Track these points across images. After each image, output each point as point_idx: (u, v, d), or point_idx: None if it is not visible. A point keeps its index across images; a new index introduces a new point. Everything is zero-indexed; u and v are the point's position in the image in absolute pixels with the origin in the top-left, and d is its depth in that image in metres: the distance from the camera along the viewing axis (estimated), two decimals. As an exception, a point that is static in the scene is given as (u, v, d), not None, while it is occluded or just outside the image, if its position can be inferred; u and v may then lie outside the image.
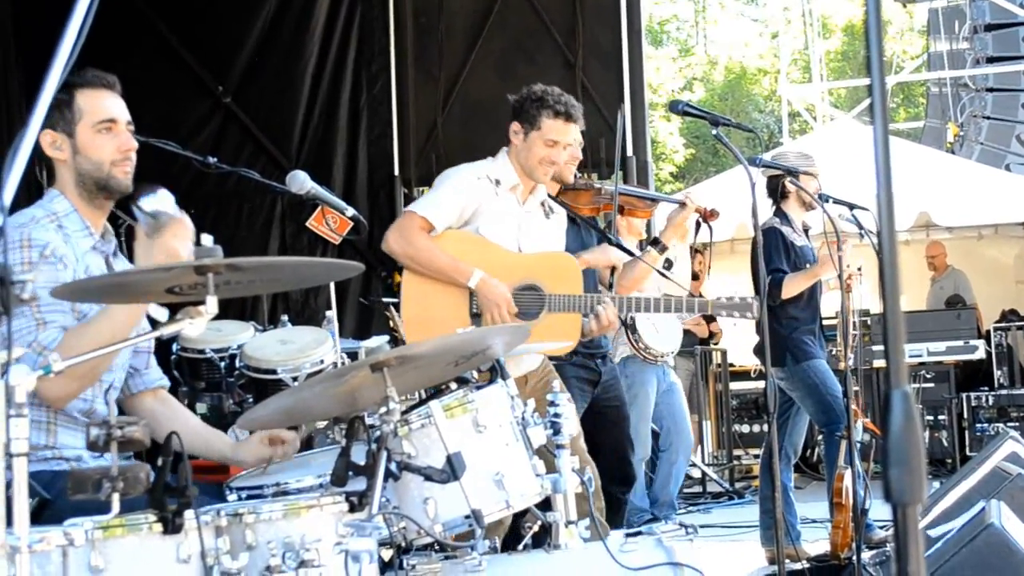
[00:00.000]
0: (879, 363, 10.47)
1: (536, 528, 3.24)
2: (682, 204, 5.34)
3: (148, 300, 2.77)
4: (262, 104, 10.02)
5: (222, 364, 5.38)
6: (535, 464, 3.12)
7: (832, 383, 6.41)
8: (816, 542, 6.77)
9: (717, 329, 11.39)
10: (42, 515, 2.78)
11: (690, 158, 32.33)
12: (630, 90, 9.98)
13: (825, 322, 6.81)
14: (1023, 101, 20.28)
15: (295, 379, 4.98)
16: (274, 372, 5.11)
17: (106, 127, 3.26)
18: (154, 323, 2.69)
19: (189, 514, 2.45)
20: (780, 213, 6.60)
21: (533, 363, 4.60)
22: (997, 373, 11.10)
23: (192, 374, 5.40)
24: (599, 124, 9.59)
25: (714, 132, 4.70)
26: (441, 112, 10.15)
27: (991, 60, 20.57)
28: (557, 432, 3.18)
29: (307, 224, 9.01)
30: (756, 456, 11.18)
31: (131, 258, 3.18)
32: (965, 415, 10.82)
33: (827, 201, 5.90)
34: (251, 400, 5.23)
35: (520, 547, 3.33)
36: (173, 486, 2.43)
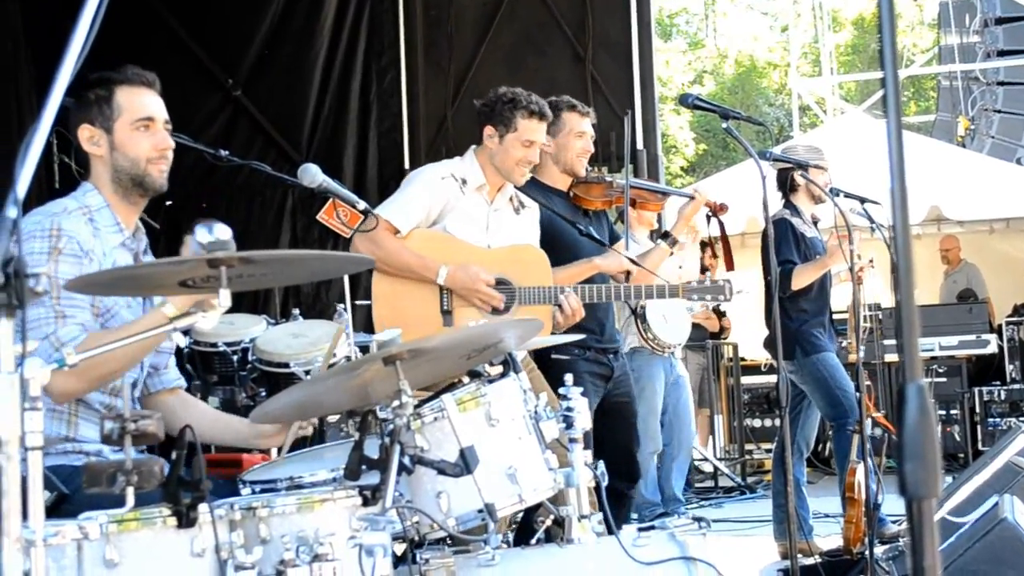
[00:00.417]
0: (891, 357, 10.45)
1: (549, 522, 3.23)
2: (691, 198, 5.34)
3: (162, 293, 2.77)
4: (272, 97, 10.02)
5: (234, 357, 5.38)
6: (548, 458, 3.12)
7: (842, 377, 6.40)
8: (829, 537, 6.76)
9: (728, 323, 11.38)
10: (59, 509, 2.79)
11: (701, 152, 32.29)
12: (640, 83, 9.97)
13: (836, 315, 6.80)
14: (1034, 94, 20.25)
15: (307, 372, 4.98)
16: (286, 365, 5.11)
17: (144, 125, 3.28)
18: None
19: (203, 508, 2.46)
20: (790, 205, 6.59)
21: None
22: (1009, 367, 11.08)
23: (204, 367, 5.40)
24: (609, 117, 9.57)
25: (724, 126, 4.70)
26: (451, 105, 10.14)
27: (1002, 53, 20.51)
28: (570, 426, 3.18)
29: (318, 217, 9.00)
30: (768, 451, 11.17)
31: (167, 242, 3.19)
32: (977, 409, 10.81)
33: (838, 195, 5.89)
34: (263, 393, 5.24)
35: (533, 541, 3.33)
36: (187, 480, 2.43)
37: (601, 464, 3.23)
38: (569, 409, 3.20)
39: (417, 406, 2.96)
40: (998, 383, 10.92)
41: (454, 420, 2.98)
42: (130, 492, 2.33)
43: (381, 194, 9.95)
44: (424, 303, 4.54)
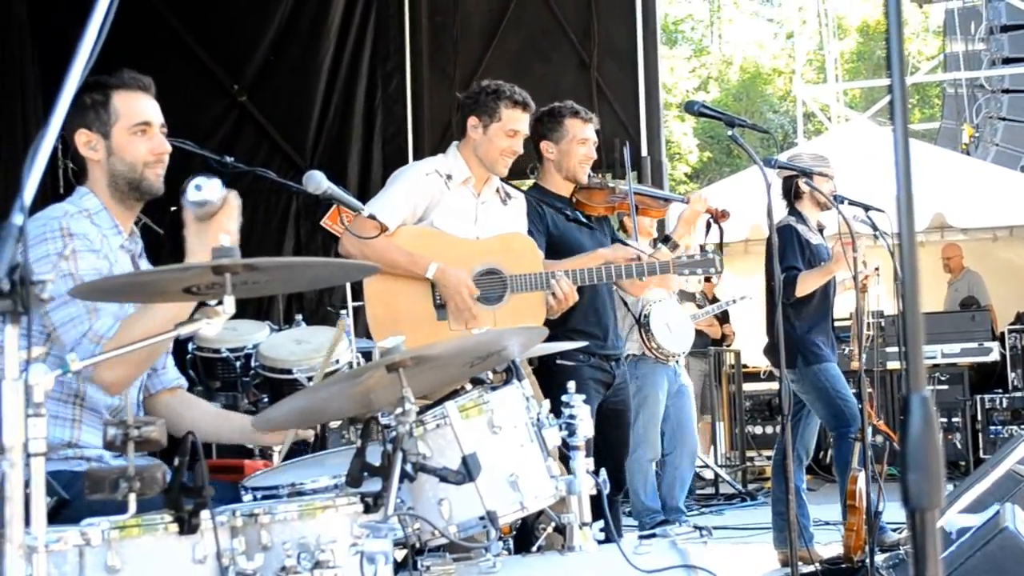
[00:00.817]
0: (893, 365, 10.44)
1: (550, 529, 3.24)
2: (687, 200, 5.36)
3: (167, 299, 2.78)
4: (277, 103, 10.04)
5: (237, 364, 5.39)
6: (550, 466, 3.12)
7: (843, 386, 6.40)
8: (829, 544, 6.76)
9: (730, 331, 11.38)
10: (60, 515, 2.80)
11: (705, 159, 32.29)
12: (645, 90, 9.99)
13: (839, 323, 6.80)
14: (1039, 102, 20.23)
15: (310, 379, 4.98)
16: (289, 372, 5.12)
17: (141, 129, 3.29)
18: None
19: (205, 514, 2.46)
20: (795, 213, 6.59)
21: None
22: (1011, 375, 11.07)
23: (207, 373, 5.41)
24: (614, 124, 9.61)
25: (729, 133, 4.70)
26: (456, 111, 10.11)
27: (1007, 61, 20.50)
28: (572, 434, 3.18)
29: (322, 223, 9.00)
30: (769, 458, 11.15)
31: (179, 246, 3.21)
32: (979, 417, 10.79)
33: (842, 202, 5.89)
34: (266, 400, 5.25)
35: (534, 549, 3.33)
36: (189, 486, 2.43)
37: (603, 472, 3.23)
38: (572, 417, 3.21)
39: (419, 413, 2.97)
40: (1000, 391, 10.91)
41: (456, 427, 2.98)
42: (132, 498, 2.33)
43: (385, 200, 9.98)
44: (417, 299, 4.55)
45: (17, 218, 1.99)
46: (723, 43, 37.12)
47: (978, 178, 12.94)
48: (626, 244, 5.15)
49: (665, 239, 5.36)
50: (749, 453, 11.50)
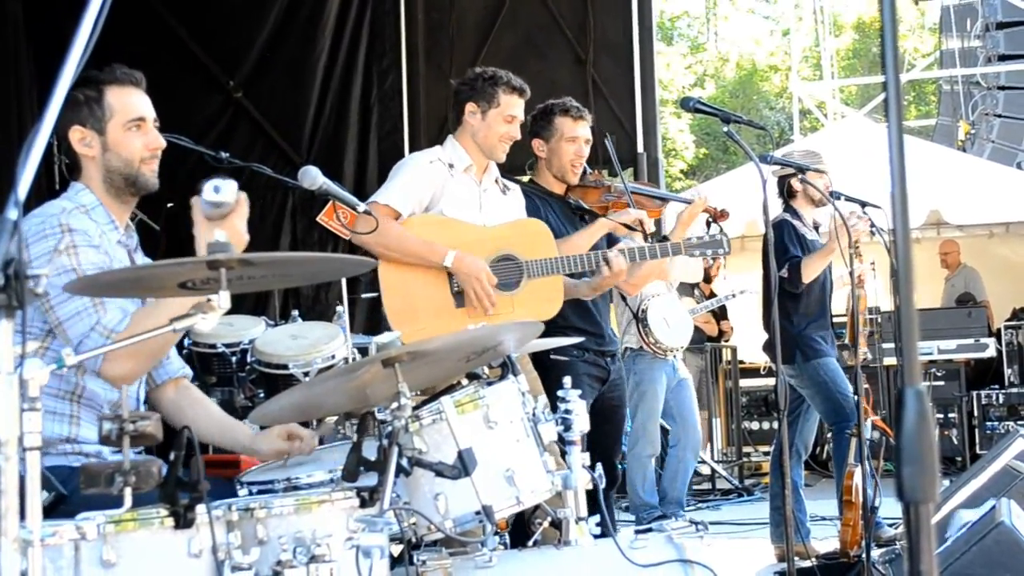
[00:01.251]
0: (889, 360, 10.46)
1: (546, 524, 3.24)
2: (689, 202, 5.35)
3: (163, 294, 2.78)
4: (273, 99, 10.02)
5: (233, 359, 5.38)
6: (546, 460, 3.12)
7: (842, 381, 6.40)
8: (826, 539, 6.76)
9: (728, 327, 11.39)
10: (56, 509, 2.80)
11: (701, 156, 32.30)
12: (641, 86, 9.98)
13: (835, 318, 6.80)
14: (1035, 99, 20.24)
15: (306, 374, 4.98)
16: (285, 367, 5.11)
17: (136, 125, 3.29)
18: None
19: (201, 509, 2.46)
20: (790, 210, 6.60)
21: None
22: (1008, 371, 11.09)
23: (203, 368, 5.40)
24: (609, 120, 9.60)
25: (725, 129, 4.70)
26: (451, 101, 10.13)
27: (1003, 58, 20.51)
28: (568, 429, 3.18)
29: (318, 219, 8.98)
30: (766, 453, 11.18)
31: (175, 242, 3.21)
32: (975, 413, 10.82)
33: (838, 198, 5.89)
34: (262, 395, 5.24)
35: (530, 543, 3.34)
36: (185, 481, 2.43)
37: (599, 467, 3.24)
38: (567, 412, 3.21)
39: (415, 408, 2.97)
40: (996, 387, 10.93)
41: (452, 422, 2.98)
42: (128, 493, 2.33)
43: (381, 196, 9.97)
44: (434, 288, 4.51)
45: (12, 213, 1.99)
46: (719, 40, 37.12)
47: (974, 175, 12.96)
48: (620, 239, 5.16)
49: (662, 239, 5.35)
50: (746, 449, 11.52)
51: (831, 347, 6.52)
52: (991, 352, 11.10)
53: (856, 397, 5.67)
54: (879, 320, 10.33)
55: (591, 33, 10.02)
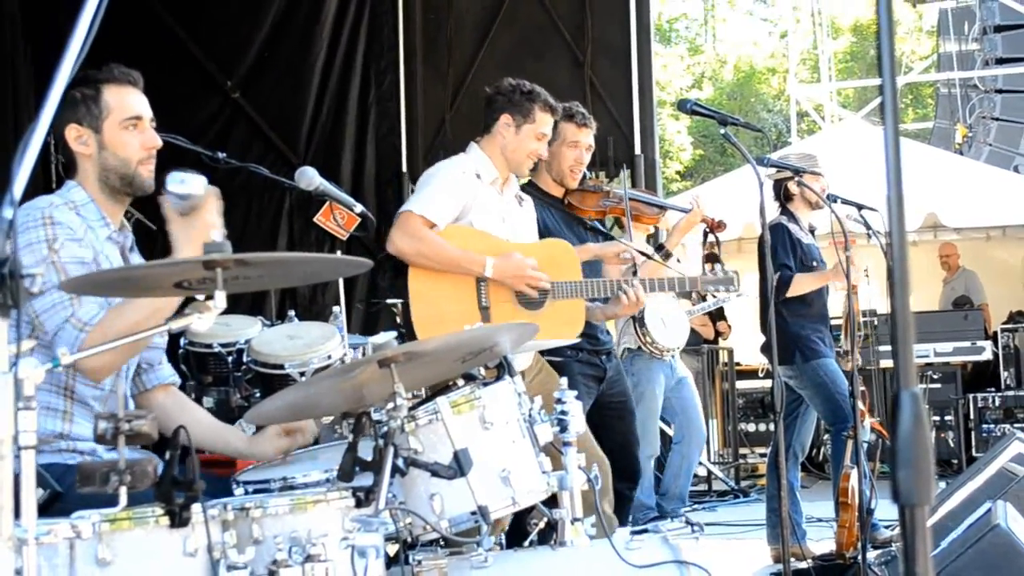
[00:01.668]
0: (886, 363, 10.46)
1: (542, 525, 3.24)
2: (687, 211, 5.37)
3: (159, 294, 2.78)
4: (271, 100, 10.01)
5: (229, 359, 5.37)
6: (541, 461, 3.12)
7: (841, 382, 6.41)
8: (821, 541, 6.77)
9: (724, 328, 11.39)
10: (51, 507, 2.79)
11: (697, 157, 32.31)
12: (638, 88, 9.98)
13: (832, 321, 6.81)
14: (1033, 102, 20.25)
15: (302, 374, 4.98)
16: (281, 367, 5.10)
17: (132, 124, 3.29)
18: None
19: (196, 508, 2.45)
20: (787, 213, 6.60)
21: (526, 361, 4.61)
22: (1004, 374, 11.10)
23: (199, 368, 5.39)
24: (607, 122, 9.59)
25: (723, 131, 4.70)
26: (449, 109, 10.16)
27: (1000, 61, 20.53)
28: (564, 429, 3.18)
29: (315, 220, 8.99)
30: (762, 455, 11.17)
31: (142, 245, 3.21)
32: (971, 416, 10.83)
33: (835, 201, 5.89)
34: (258, 395, 5.22)
35: (526, 544, 3.33)
36: (180, 480, 2.43)
37: (595, 467, 3.23)
38: (564, 412, 3.21)
39: (411, 408, 2.97)
40: (992, 390, 10.94)
41: (448, 423, 2.98)
42: (123, 492, 2.33)
43: (379, 197, 9.98)
44: (461, 300, 4.52)
45: (7, 212, 1.99)
46: (717, 42, 37.15)
47: (971, 178, 12.97)
48: (618, 241, 5.16)
49: (658, 247, 5.36)
50: (742, 450, 11.52)
51: (829, 348, 6.52)
52: (987, 355, 11.10)
53: (852, 399, 5.68)
54: (876, 323, 10.36)
55: (589, 34, 10.02)
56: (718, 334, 11.31)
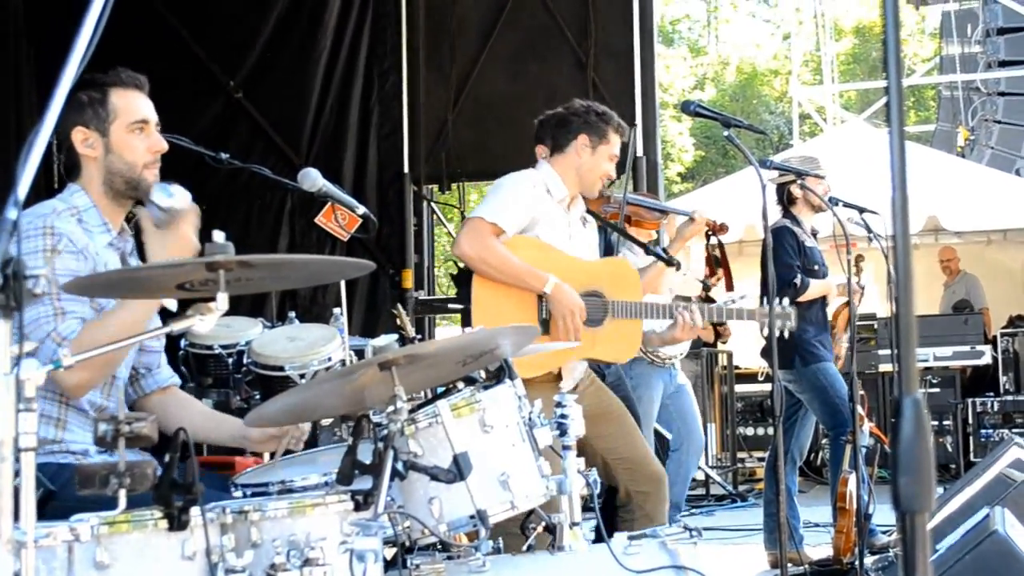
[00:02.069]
0: (885, 367, 10.46)
1: (540, 529, 3.24)
2: (691, 219, 5.37)
3: (159, 296, 2.78)
4: (273, 100, 10.01)
5: (230, 360, 5.37)
6: (541, 465, 3.12)
7: (841, 386, 6.41)
8: (819, 546, 6.77)
9: (725, 331, 11.36)
10: (46, 507, 2.79)
11: (699, 159, 32.30)
12: (641, 89, 9.97)
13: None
14: (1035, 106, 20.26)
15: (303, 376, 4.97)
16: (282, 369, 5.10)
17: (139, 127, 3.29)
18: (164, 316, 2.70)
19: (195, 511, 2.45)
20: (789, 216, 6.61)
21: (581, 371, 4.65)
22: (1003, 379, 11.09)
23: (200, 370, 5.39)
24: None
25: (726, 133, 4.71)
26: (452, 110, 10.15)
27: (1003, 64, 20.54)
28: (563, 433, 3.18)
29: (316, 220, 8.98)
30: (760, 459, 11.17)
31: (141, 250, 3.21)
32: (970, 420, 10.82)
33: (837, 204, 5.90)
34: (258, 397, 5.22)
35: (524, 548, 3.33)
36: (179, 483, 2.43)
37: (594, 471, 3.23)
38: (563, 416, 3.21)
39: (411, 411, 2.97)
40: (991, 394, 10.94)
41: (448, 426, 2.98)
42: (122, 494, 2.33)
43: (380, 198, 9.98)
44: (523, 311, 4.52)
45: (11, 213, 1.99)
46: (720, 43, 37.15)
47: (973, 181, 12.97)
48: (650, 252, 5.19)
49: (668, 260, 5.35)
50: (740, 455, 11.51)
51: (829, 352, 6.53)
52: (987, 359, 11.10)
53: (851, 404, 5.69)
54: (875, 327, 10.36)
55: (592, 36, 10.01)
56: (718, 336, 11.30)
